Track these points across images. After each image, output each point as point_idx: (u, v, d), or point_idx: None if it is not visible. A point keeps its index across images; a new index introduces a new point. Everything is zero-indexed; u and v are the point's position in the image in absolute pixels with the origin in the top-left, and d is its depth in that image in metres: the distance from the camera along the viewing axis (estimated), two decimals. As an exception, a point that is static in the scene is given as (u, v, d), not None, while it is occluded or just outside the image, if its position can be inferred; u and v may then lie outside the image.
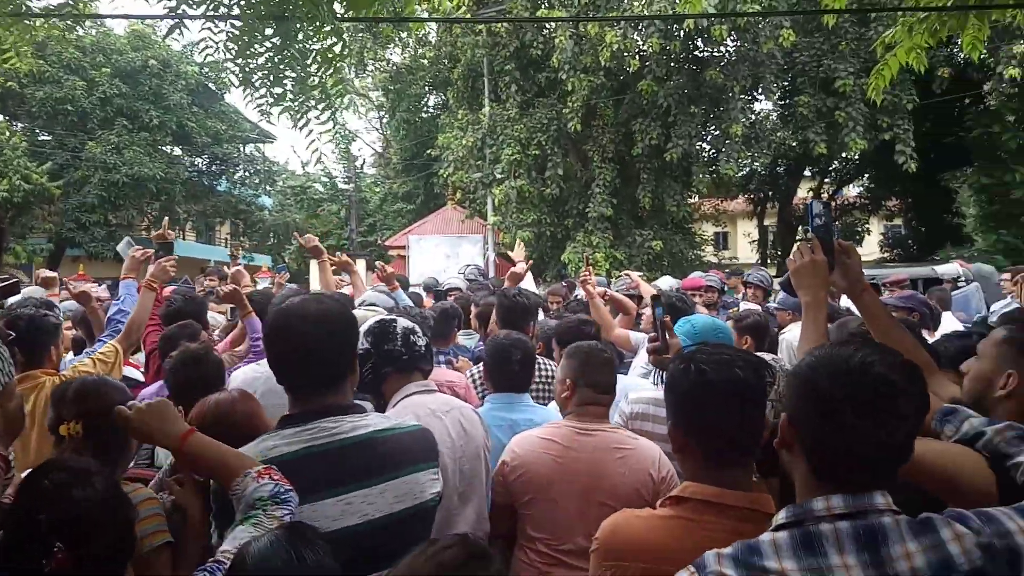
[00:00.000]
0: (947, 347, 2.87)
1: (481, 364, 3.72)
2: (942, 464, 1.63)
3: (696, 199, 22.50)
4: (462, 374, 4.08)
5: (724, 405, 1.69)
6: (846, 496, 1.35)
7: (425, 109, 29.96)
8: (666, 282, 8.53)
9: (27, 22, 4.43)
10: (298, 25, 3.91)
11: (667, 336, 2.90)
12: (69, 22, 4.70)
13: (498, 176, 17.79)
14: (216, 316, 6.59)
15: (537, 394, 3.79)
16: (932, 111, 17.30)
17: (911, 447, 1.40)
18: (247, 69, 4.15)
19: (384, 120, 34.10)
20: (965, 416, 1.82)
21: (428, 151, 23.23)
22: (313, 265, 6.33)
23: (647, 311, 6.04)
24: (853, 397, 1.35)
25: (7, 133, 22.30)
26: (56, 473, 1.69)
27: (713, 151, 18.35)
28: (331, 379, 1.95)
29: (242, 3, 4.05)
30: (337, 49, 4.33)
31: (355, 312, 3.13)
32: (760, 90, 17.37)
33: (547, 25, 16.36)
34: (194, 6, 3.94)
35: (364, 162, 36.94)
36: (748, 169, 22.66)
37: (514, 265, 5.57)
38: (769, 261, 25.62)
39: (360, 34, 19.06)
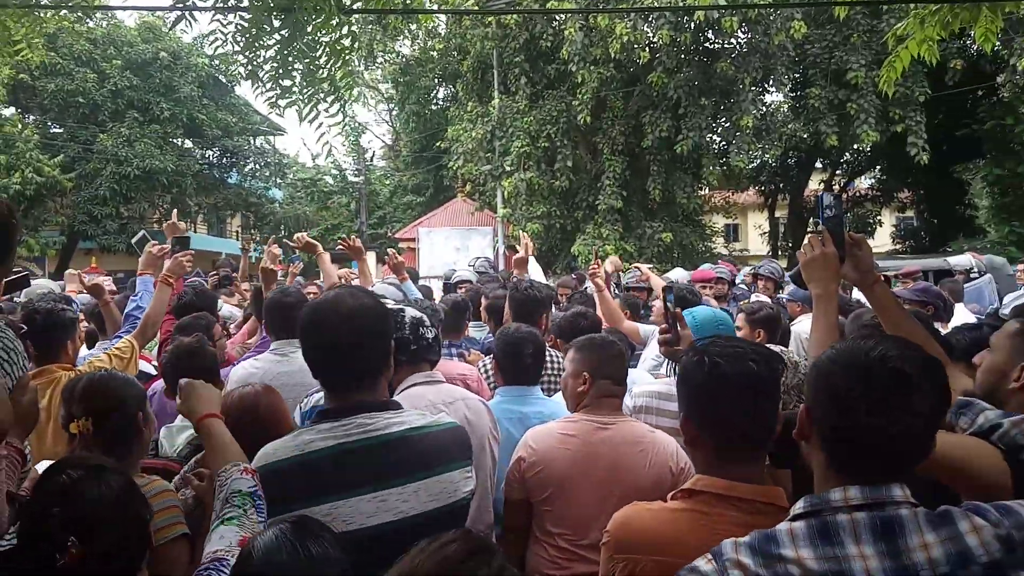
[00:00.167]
0: (959, 339, 2.86)
1: (491, 356, 3.72)
2: (957, 457, 1.62)
3: (706, 191, 22.44)
4: (474, 366, 4.08)
5: (737, 398, 1.68)
6: (863, 487, 1.36)
7: (435, 101, 29.91)
8: (678, 274, 8.52)
9: (38, 14, 4.45)
10: (306, 17, 3.90)
11: (678, 327, 2.89)
12: (79, 14, 4.71)
13: (507, 168, 17.77)
14: (233, 310, 6.62)
15: (547, 386, 3.80)
16: (944, 103, 17.19)
17: (931, 442, 1.40)
18: (256, 61, 4.16)
19: (394, 112, 34.08)
20: (980, 409, 1.81)
21: (438, 143, 23.20)
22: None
23: (657, 303, 6.03)
24: (867, 390, 1.35)
25: (19, 126, 22.41)
26: (72, 469, 1.70)
27: (724, 143, 18.28)
28: (366, 375, 1.95)
29: (250, -5, 4.06)
30: (346, 42, 4.33)
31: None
32: (771, 82, 17.27)
33: (557, 17, 16.30)
34: (203, -2, 3.96)
35: (374, 154, 37.00)
36: (759, 161, 22.57)
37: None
38: (780, 253, 25.53)
39: (369, 26, 19.06)
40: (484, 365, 4.04)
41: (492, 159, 18.31)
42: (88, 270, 6.96)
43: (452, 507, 1.93)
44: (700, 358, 1.75)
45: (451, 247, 19.78)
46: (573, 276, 8.94)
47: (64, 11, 4.54)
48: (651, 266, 8.90)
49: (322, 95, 4.39)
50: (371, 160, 35.60)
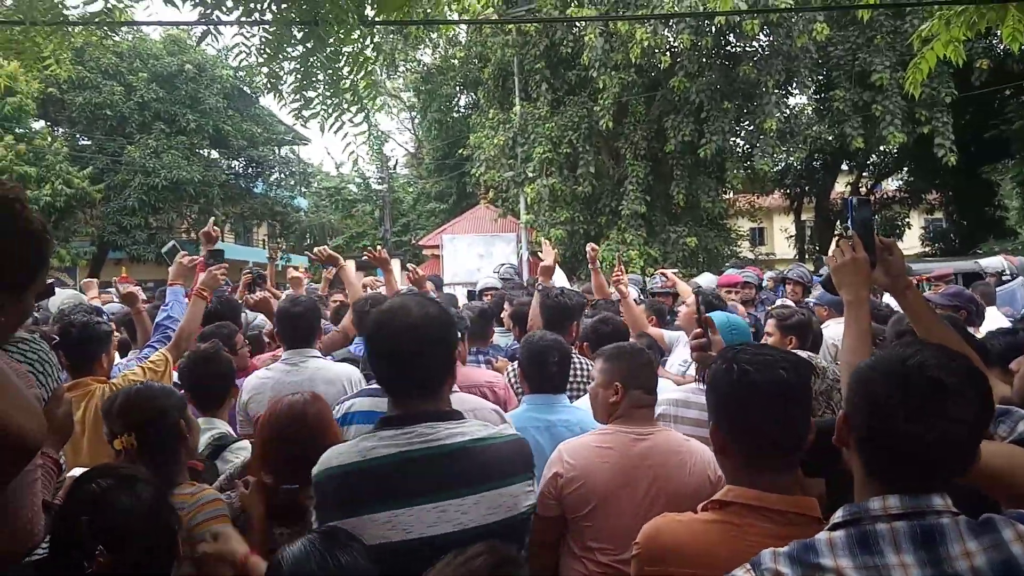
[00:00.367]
0: (994, 344, 2.81)
1: (516, 363, 3.70)
2: (998, 465, 1.58)
3: (731, 195, 22.29)
4: (501, 374, 4.07)
5: (767, 406, 1.66)
6: (903, 496, 1.34)
7: (456, 109, 30.02)
8: (706, 279, 8.46)
9: (66, 30, 4.52)
10: (328, 29, 3.94)
11: (709, 333, 2.86)
12: (106, 29, 4.78)
13: (530, 175, 17.78)
14: (264, 319, 6.63)
15: (574, 393, 3.78)
16: (972, 103, 16.95)
17: (974, 452, 1.37)
18: (279, 73, 4.20)
19: (416, 121, 34.25)
20: (1020, 416, 1.77)
21: (460, 151, 23.25)
22: (350, 264, 6.37)
23: (683, 308, 5.99)
24: (905, 398, 1.34)
25: (49, 139, 22.75)
26: (103, 478, 1.72)
27: (747, 146, 18.14)
28: (428, 384, 1.94)
29: (273, 8, 4.09)
30: (369, 52, 4.36)
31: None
32: (794, 85, 17.15)
33: (577, 23, 16.30)
34: (227, 11, 4.00)
35: (397, 163, 37.19)
36: (783, 164, 22.39)
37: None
38: (807, 256, 25.30)
39: (391, 36, 19.17)
40: (511, 372, 4.03)
41: (514, 165, 18.33)
42: (119, 280, 7.04)
43: (512, 520, 1.91)
44: (729, 366, 1.72)
45: (475, 254, 19.78)
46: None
47: (92, 27, 4.60)
48: (676, 271, 8.85)
49: (346, 105, 4.43)
50: (394, 168, 35.80)
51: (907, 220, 27.56)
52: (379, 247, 5.85)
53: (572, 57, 17.39)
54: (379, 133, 32.51)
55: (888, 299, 5.61)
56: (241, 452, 3.03)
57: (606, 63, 15.91)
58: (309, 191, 34.73)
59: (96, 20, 4.47)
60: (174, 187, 24.59)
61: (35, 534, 1.66)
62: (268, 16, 4.13)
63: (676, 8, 13.79)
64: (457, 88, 27.78)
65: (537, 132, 17.52)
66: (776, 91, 16.09)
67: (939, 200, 26.25)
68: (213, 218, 5.45)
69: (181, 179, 24.35)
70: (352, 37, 4.20)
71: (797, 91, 17.61)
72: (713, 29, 15.52)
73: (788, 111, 17.47)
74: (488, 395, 3.55)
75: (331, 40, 4.14)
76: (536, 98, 18.09)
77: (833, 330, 5.05)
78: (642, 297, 7.43)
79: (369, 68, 4.48)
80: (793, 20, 14.80)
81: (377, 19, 4.57)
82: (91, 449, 3.19)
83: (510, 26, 16.92)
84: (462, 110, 29.85)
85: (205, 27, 4.14)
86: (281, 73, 4.37)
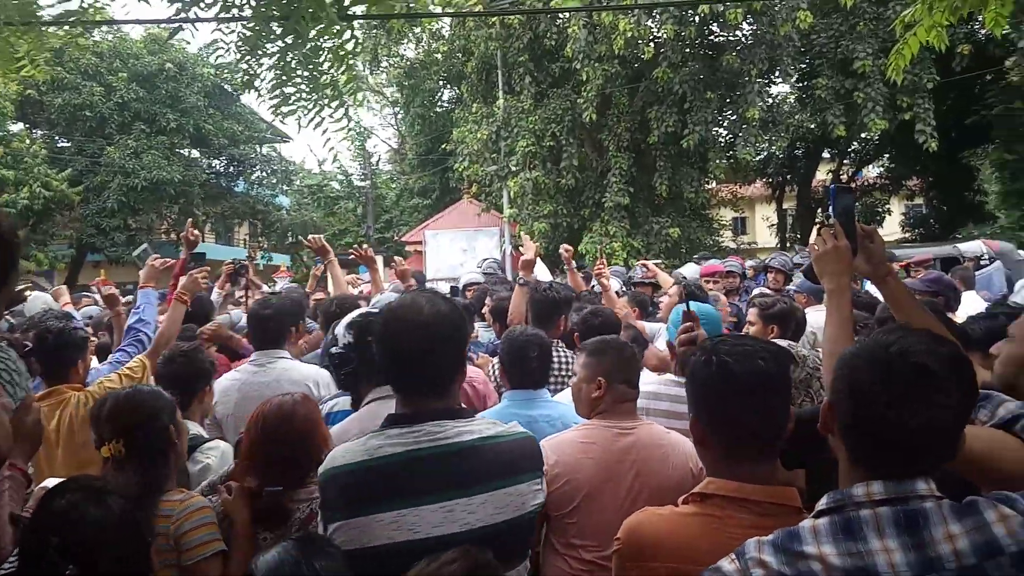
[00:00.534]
0: (975, 329, 2.80)
1: (497, 359, 3.69)
2: (978, 449, 1.58)
3: (713, 185, 22.35)
4: (482, 370, 4.06)
5: (746, 397, 1.65)
6: (887, 482, 1.34)
7: (439, 104, 29.91)
8: (690, 269, 8.46)
9: (41, 30, 4.44)
10: (307, 24, 3.88)
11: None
12: (81, 29, 4.71)
13: (513, 168, 17.73)
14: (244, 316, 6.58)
15: (558, 387, 3.77)
16: (952, 89, 17.05)
17: (958, 438, 1.38)
18: (258, 69, 4.15)
19: (399, 116, 34.10)
20: (1000, 401, 1.77)
21: (443, 145, 23.18)
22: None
23: (665, 299, 6.00)
24: (888, 385, 1.34)
25: (27, 141, 22.52)
26: (71, 493, 1.69)
27: (730, 136, 18.18)
28: (438, 382, 1.92)
29: (252, 3, 4.04)
30: (349, 46, 4.31)
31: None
32: (777, 73, 17.19)
33: (560, 15, 16.25)
34: (205, 8, 3.94)
35: (380, 159, 37.02)
36: (766, 153, 22.48)
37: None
38: (788, 245, 25.42)
39: (373, 31, 19.06)
40: (493, 368, 4.02)
41: (497, 159, 18.27)
42: (99, 282, 6.95)
43: (519, 520, 1.88)
44: (708, 357, 1.71)
45: (457, 249, 19.72)
46: (580, 275, 8.87)
47: (67, 27, 4.52)
48: (659, 262, 8.85)
49: (326, 101, 4.37)
50: (377, 164, 35.64)
51: (887, 206, 27.76)
52: (365, 246, 5.82)
53: (556, 49, 17.34)
54: (361, 129, 32.37)
55: (869, 286, 5.63)
56: (211, 452, 3.00)
57: (589, 55, 15.86)
58: (291, 189, 34.57)
59: (71, 19, 4.40)
60: (154, 187, 24.43)
61: (2, 547, 1.63)
62: (247, 12, 4.07)
63: (658, -1, 13.77)
64: (440, 82, 27.66)
65: (520, 125, 17.48)
66: (759, 80, 16.10)
67: (919, 186, 26.41)
68: (191, 219, 5.39)
69: (161, 179, 24.19)
70: (332, 31, 4.15)
71: (780, 80, 17.64)
72: (696, 19, 15.51)
73: (770, 100, 17.50)
74: (468, 391, 3.54)
75: (310, 35, 4.09)
76: (519, 91, 18.04)
77: (812, 317, 5.05)
78: (625, 289, 7.42)
79: (350, 63, 4.43)
80: (776, 8, 14.81)
81: (357, 13, 4.52)
82: (66, 458, 3.14)
83: (493, 19, 16.84)
84: (445, 105, 29.74)
85: (179, 24, 4.08)
86: (259, 70, 4.31)
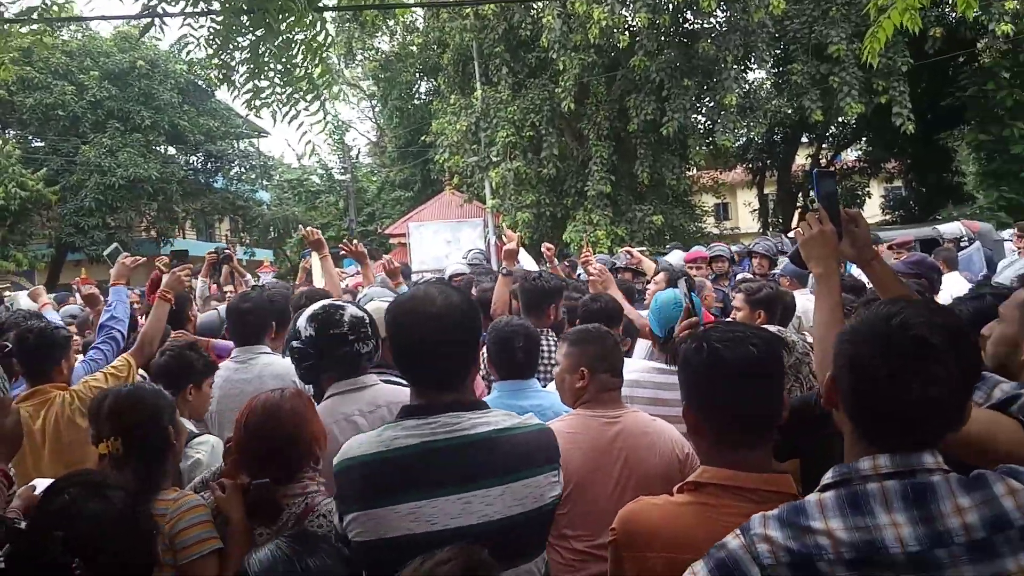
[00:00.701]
0: (962, 310, 2.79)
1: (484, 350, 3.67)
2: (975, 431, 1.57)
3: (694, 171, 22.41)
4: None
5: (738, 383, 1.64)
6: (893, 456, 1.33)
7: (417, 96, 29.79)
8: (675, 256, 8.46)
9: (3, 28, 4.36)
10: (277, 16, 3.83)
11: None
12: (46, 27, 4.62)
13: (494, 159, 17.70)
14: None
15: (546, 375, 3.76)
16: (926, 71, 17.15)
17: (962, 410, 1.37)
18: (230, 64, 4.09)
19: (377, 109, 33.93)
20: (995, 382, 1.77)
21: (423, 138, 23.07)
22: (314, 256, 6.27)
23: (651, 286, 5.99)
24: (887, 357, 1.33)
25: (0, 142, 22.23)
26: (72, 488, 1.67)
27: (709, 123, 18.22)
28: (453, 374, 1.90)
29: (219, -2, 3.99)
30: (321, 38, 4.27)
31: (369, 305, 3.12)
32: (752, 60, 17.22)
33: (534, 5, 16.19)
34: (172, 3, 3.88)
35: (359, 152, 36.85)
36: (745, 139, 22.57)
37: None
38: (771, 230, 25.57)
39: (347, 24, 18.93)
40: (481, 359, 4.00)
41: (478, 150, 18.24)
42: (79, 282, 6.87)
43: (537, 512, 1.87)
44: (699, 345, 1.70)
45: (442, 240, 19.65)
46: (565, 263, 8.87)
47: (31, 25, 4.44)
48: (642, 249, 8.86)
49: (301, 94, 4.33)
50: (357, 158, 35.46)
51: (867, 189, 27.94)
52: (355, 241, 5.76)
53: (531, 40, 17.29)
54: (339, 123, 32.19)
55: (853, 269, 5.65)
56: (201, 447, 2.99)
57: (565, 44, 15.83)
58: (271, 184, 34.32)
59: (34, 18, 4.32)
60: (131, 185, 24.20)
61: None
62: (215, 6, 4.02)
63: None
64: (417, 75, 27.56)
65: (499, 116, 17.44)
66: (735, 67, 16.13)
67: (898, 168, 26.57)
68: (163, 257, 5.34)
69: (138, 177, 23.97)
70: (304, 23, 4.10)
71: (756, 66, 17.68)
72: (670, 7, 15.51)
73: (747, 86, 17.56)
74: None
75: (282, 28, 4.04)
76: (497, 82, 17.99)
77: (796, 301, 5.06)
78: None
79: (323, 55, 4.38)
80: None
81: (329, 4, 4.47)
82: (53, 458, 3.11)
83: (467, 10, 16.76)
84: (423, 97, 29.62)
85: (149, 21, 4.02)
86: (232, 63, 4.26)
